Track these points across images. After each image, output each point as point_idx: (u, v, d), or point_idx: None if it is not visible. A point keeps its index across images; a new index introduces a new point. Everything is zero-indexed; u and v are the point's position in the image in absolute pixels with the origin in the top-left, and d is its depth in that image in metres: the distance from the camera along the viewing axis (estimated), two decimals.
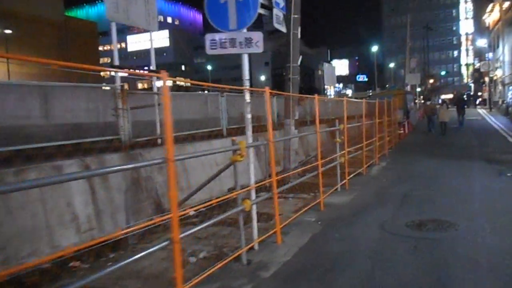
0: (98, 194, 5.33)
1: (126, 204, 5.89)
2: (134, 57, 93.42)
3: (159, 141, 7.49)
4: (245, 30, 4.56)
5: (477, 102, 46.43)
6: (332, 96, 68.76)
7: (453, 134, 18.90)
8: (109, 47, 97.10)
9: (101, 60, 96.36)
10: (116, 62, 6.83)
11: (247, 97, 4.55)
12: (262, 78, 78.64)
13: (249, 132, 4.63)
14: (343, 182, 8.18)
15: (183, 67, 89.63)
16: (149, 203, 6.36)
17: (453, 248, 4.42)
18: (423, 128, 22.71)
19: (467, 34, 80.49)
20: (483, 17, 41.60)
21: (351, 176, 9.21)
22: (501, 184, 7.93)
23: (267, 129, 4.83)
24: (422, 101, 35.33)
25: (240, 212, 4.25)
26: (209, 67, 74.04)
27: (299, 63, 9.75)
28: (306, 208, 6.42)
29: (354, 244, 4.76)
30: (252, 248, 4.64)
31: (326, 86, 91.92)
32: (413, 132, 21.47)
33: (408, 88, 39.27)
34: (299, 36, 9.65)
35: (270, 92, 4.86)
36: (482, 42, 42.73)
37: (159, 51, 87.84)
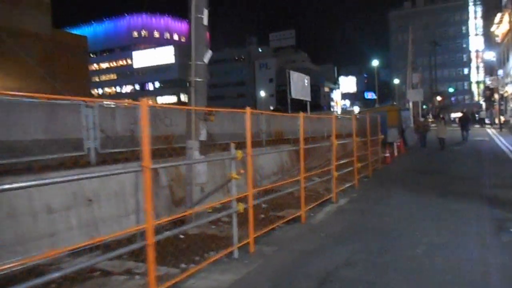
0: None
1: None
2: (140, 74, 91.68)
3: None
4: None
5: (487, 121, 42.62)
6: (339, 113, 65.35)
7: (452, 157, 15.61)
8: (114, 64, 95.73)
9: (106, 77, 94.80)
10: None
11: None
12: (262, 94, 75.82)
13: None
14: (245, 241, 5.10)
15: (187, 84, 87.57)
16: None
17: None
18: (419, 149, 19.47)
19: (477, 51, 76.93)
20: (491, 29, 38.34)
21: (280, 222, 6.18)
22: (501, 255, 4.73)
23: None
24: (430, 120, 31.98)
25: None
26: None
27: (206, 60, 6.78)
28: None
29: None
30: None
31: (332, 103, 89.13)
32: (406, 154, 18.09)
33: (410, 105, 35.97)
34: (205, 22, 6.71)
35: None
36: (490, 55, 39.29)
37: (164, 68, 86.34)
